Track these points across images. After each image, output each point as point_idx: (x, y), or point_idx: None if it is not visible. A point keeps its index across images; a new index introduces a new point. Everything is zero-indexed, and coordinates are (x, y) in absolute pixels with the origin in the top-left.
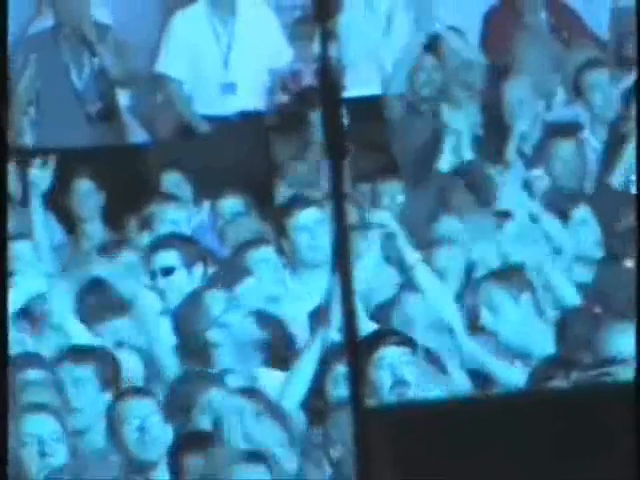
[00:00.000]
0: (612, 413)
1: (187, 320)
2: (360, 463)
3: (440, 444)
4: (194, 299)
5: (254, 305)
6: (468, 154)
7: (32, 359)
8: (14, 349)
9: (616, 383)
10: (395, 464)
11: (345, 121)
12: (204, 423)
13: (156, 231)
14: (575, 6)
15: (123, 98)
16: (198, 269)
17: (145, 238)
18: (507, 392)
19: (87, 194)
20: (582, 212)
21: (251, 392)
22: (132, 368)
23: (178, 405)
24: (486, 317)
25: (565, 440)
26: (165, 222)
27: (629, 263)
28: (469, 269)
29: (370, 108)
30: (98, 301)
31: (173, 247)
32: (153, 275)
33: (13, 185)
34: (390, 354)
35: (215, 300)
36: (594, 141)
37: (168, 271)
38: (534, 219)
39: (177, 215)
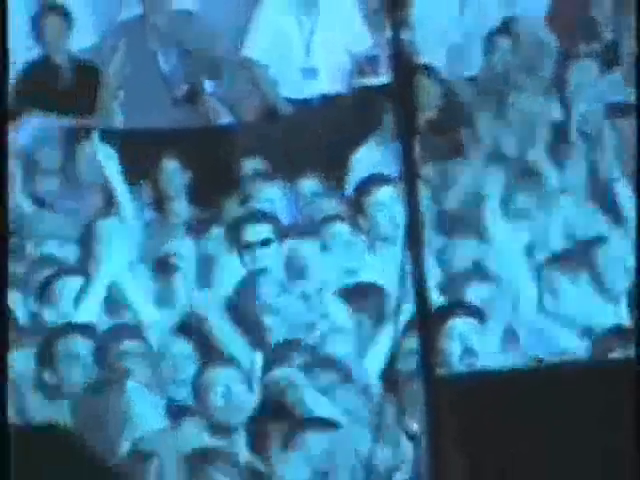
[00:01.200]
0: None
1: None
2: (431, 431)
3: (508, 413)
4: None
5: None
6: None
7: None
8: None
9: None
10: (465, 432)
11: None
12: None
13: (249, 208)
14: None
15: (208, 82)
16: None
17: (237, 214)
18: (571, 361)
19: (173, 173)
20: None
21: (327, 363)
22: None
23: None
24: (547, 300)
25: (625, 410)
26: (257, 200)
27: None
28: (531, 247)
29: (440, 91)
30: None
31: (267, 221)
32: (247, 247)
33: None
34: (460, 325)
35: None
36: None
37: (265, 242)
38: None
39: (268, 193)
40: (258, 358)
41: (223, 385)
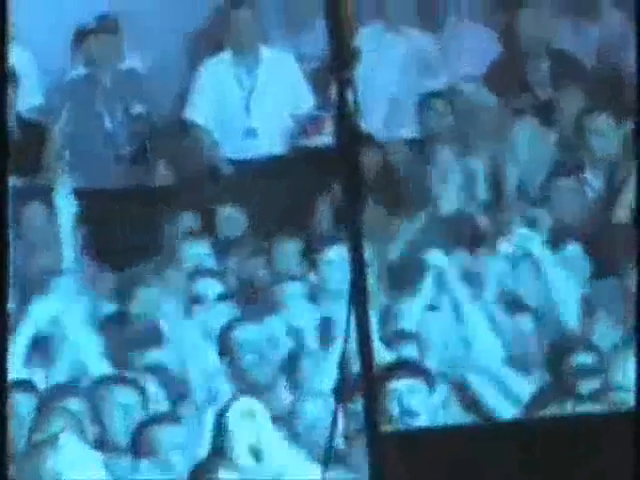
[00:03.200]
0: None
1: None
2: None
3: (451, 469)
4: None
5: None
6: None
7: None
8: None
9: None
10: None
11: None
12: None
13: (181, 265)
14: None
15: (152, 141)
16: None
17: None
18: (513, 419)
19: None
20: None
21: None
22: None
23: None
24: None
25: (568, 467)
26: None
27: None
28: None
29: (382, 150)
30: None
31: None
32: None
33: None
34: (400, 385)
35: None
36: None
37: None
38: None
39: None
40: (209, 414)
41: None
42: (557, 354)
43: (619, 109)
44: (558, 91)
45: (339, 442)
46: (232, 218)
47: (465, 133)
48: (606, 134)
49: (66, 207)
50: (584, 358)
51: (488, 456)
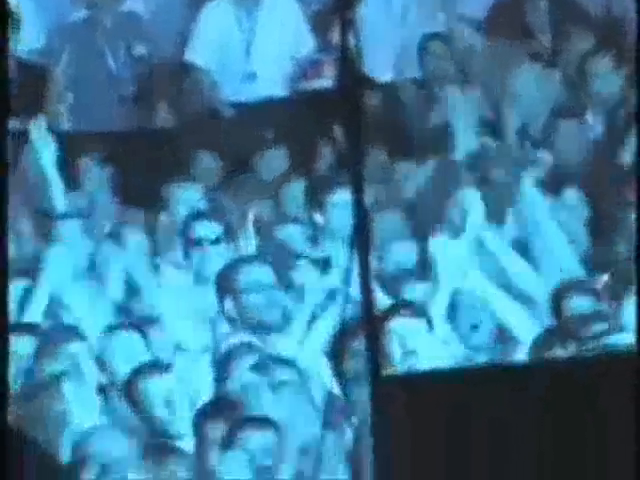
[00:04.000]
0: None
1: None
2: (377, 429)
3: (453, 411)
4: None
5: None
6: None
7: None
8: None
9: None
10: (410, 430)
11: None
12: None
13: (173, 210)
14: None
15: (154, 83)
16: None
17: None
18: (516, 362)
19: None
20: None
21: (276, 362)
22: None
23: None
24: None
25: (571, 410)
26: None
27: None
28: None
29: (386, 92)
30: None
31: (216, 220)
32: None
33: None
34: (401, 326)
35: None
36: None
37: (216, 241)
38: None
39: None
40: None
41: (164, 396)
42: (559, 298)
43: (620, 53)
44: (559, 35)
45: (341, 384)
46: (233, 160)
47: (466, 75)
48: (607, 77)
49: (43, 147)
50: (586, 302)
51: (489, 398)
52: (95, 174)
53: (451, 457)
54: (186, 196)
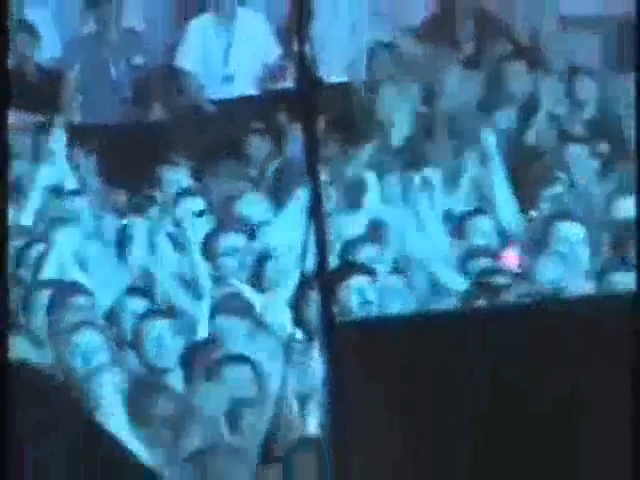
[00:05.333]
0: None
1: None
2: (332, 371)
3: (405, 355)
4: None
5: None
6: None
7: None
8: None
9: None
10: (363, 373)
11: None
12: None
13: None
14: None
15: (149, 84)
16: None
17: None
18: (448, 310)
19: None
20: None
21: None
22: None
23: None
24: None
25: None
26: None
27: None
28: None
29: (339, 92)
30: None
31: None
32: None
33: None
34: (356, 280)
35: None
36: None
37: (200, 214)
38: None
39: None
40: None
41: (156, 334)
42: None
43: (532, 59)
44: (481, 43)
45: (299, 334)
46: (214, 147)
47: (405, 78)
48: (521, 79)
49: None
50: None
51: (441, 344)
52: (90, 161)
53: (400, 396)
54: (175, 177)
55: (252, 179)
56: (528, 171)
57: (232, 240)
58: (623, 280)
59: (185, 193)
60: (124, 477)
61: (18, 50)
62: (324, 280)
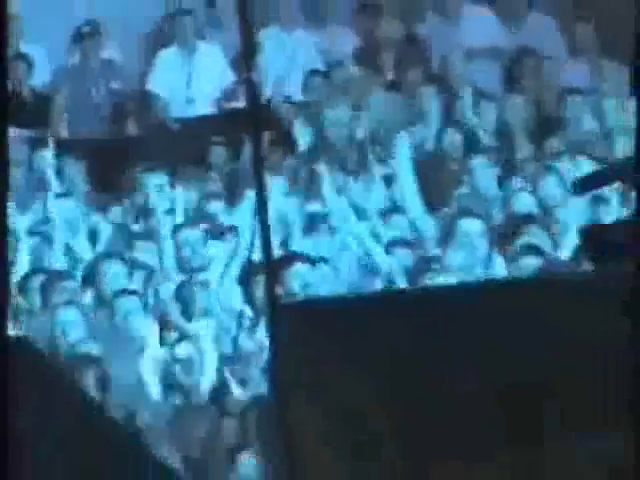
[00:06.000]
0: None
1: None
2: (275, 349)
3: (344, 334)
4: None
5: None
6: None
7: None
8: None
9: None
10: (305, 352)
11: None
12: None
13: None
14: None
15: (124, 105)
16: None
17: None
18: (411, 287)
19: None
20: None
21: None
22: None
23: None
24: None
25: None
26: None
27: None
28: None
29: (280, 111)
30: None
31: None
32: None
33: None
34: (297, 268)
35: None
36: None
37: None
38: None
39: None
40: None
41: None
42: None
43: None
44: (401, 69)
45: (248, 313)
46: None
47: (339, 100)
48: (431, 100)
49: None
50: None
51: (386, 324)
52: (76, 168)
53: (343, 372)
54: (148, 182)
55: (213, 182)
56: (438, 175)
57: (195, 234)
58: (529, 264)
59: (157, 193)
60: (123, 459)
61: (16, 76)
62: (269, 266)
